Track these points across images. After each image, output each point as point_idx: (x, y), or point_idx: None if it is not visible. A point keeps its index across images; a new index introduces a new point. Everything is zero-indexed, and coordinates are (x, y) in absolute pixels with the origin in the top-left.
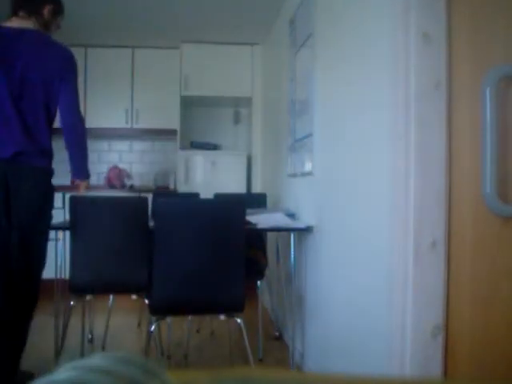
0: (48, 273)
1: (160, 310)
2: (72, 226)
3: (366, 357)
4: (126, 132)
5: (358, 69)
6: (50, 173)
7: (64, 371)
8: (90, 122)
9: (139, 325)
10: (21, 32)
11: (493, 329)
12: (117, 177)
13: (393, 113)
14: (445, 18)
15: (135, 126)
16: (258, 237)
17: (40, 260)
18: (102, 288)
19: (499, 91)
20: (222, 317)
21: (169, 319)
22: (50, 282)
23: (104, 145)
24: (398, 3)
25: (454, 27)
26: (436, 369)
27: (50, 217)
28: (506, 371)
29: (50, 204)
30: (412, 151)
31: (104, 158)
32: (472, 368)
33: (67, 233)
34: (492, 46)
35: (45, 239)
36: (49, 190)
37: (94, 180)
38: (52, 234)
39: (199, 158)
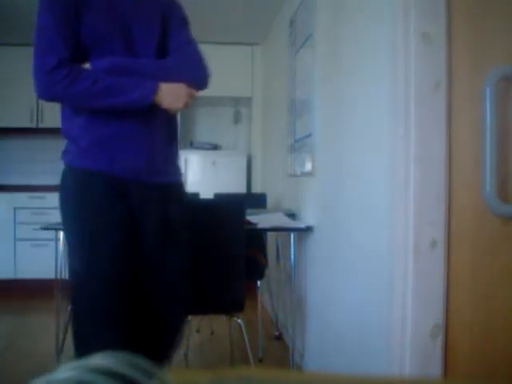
0: (48, 273)
1: None
2: None
3: (366, 357)
4: None
5: (357, 69)
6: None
7: (64, 371)
8: None
9: None
10: None
11: (492, 328)
12: None
13: (393, 113)
14: (445, 17)
15: None
16: (258, 237)
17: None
18: None
19: (499, 91)
20: (222, 317)
21: None
22: (50, 281)
23: None
24: (398, 3)
25: (454, 27)
26: (436, 368)
27: (64, 223)
28: (506, 371)
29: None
30: (412, 151)
31: None
32: (472, 368)
33: None
34: (492, 46)
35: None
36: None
37: None
38: (52, 233)
39: (199, 158)
